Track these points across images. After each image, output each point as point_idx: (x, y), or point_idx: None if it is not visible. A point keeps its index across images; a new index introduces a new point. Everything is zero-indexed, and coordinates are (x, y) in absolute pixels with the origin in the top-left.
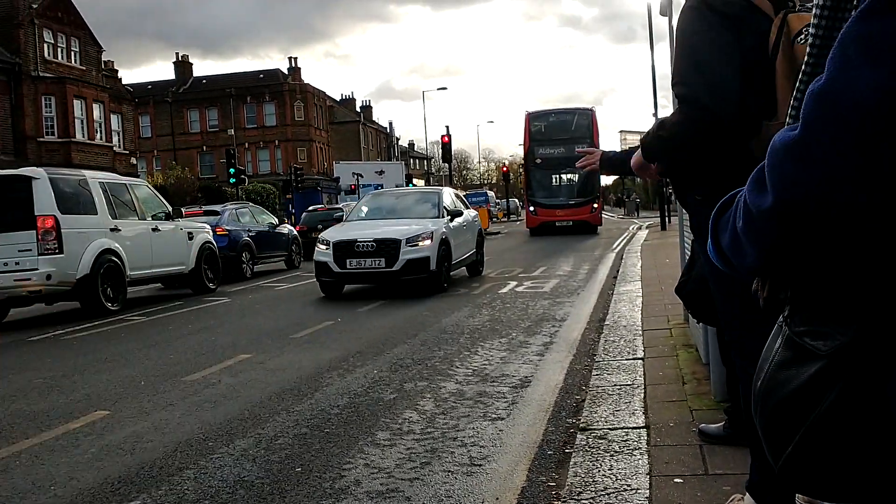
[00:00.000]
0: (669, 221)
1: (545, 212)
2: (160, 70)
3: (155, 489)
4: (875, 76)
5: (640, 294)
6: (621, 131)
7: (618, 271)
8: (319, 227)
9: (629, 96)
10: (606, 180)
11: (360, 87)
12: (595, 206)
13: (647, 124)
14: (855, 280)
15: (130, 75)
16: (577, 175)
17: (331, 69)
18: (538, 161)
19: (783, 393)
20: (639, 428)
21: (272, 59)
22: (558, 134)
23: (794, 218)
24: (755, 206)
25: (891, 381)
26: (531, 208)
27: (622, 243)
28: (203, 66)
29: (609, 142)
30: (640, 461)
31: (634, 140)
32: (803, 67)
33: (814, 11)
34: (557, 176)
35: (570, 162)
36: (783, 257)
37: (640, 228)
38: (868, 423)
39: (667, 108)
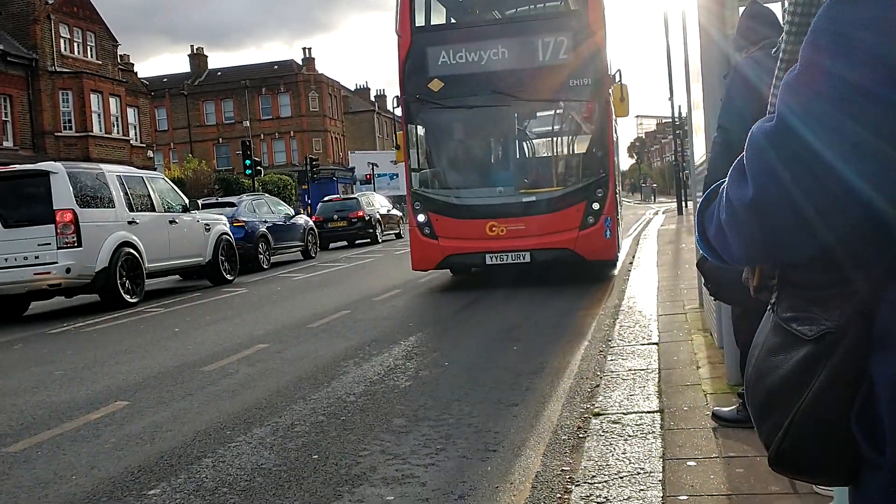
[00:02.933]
0: (686, 206)
1: (457, 227)
2: (168, 63)
3: (174, 477)
4: (845, 64)
5: (656, 279)
6: (637, 116)
7: (634, 257)
8: (335, 217)
9: (637, 81)
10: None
11: (367, 77)
12: (596, 206)
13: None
14: (838, 266)
15: (140, 69)
16: (548, 118)
17: (336, 60)
18: (434, 89)
19: (773, 379)
20: (653, 412)
21: (275, 51)
22: (494, 10)
23: (773, 209)
24: (737, 198)
25: (875, 363)
26: (420, 217)
27: (638, 229)
28: (209, 59)
29: (625, 129)
30: (654, 445)
31: (650, 125)
32: (781, 55)
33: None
34: (490, 129)
35: (529, 88)
36: (767, 248)
37: (656, 214)
38: (854, 405)
39: (680, 92)
